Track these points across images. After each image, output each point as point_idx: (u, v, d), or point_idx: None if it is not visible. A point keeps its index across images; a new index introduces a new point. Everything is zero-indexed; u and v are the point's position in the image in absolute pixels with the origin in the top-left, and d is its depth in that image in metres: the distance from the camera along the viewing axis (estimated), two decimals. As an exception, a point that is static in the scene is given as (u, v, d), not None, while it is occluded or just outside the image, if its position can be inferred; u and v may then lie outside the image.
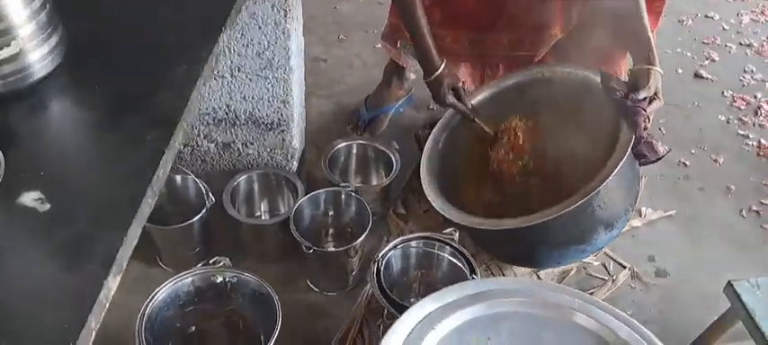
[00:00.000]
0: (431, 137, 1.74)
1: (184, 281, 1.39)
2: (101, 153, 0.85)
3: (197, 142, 1.72)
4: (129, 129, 0.87)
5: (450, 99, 1.65)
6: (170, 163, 0.85)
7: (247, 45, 1.52)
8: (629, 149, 1.43)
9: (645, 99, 1.46)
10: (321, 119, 2.11)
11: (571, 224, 1.48)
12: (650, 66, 1.48)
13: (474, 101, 1.73)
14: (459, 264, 1.46)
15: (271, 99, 1.62)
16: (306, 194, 1.67)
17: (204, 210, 1.59)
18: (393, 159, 1.80)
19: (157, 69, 0.96)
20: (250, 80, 1.59)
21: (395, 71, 2.05)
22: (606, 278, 1.71)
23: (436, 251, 1.53)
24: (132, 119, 0.88)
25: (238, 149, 1.72)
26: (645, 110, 1.45)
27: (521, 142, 1.68)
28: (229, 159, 1.75)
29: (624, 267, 1.73)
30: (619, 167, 1.41)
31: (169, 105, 0.90)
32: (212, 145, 1.73)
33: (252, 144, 1.72)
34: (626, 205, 1.54)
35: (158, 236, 1.63)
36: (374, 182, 1.87)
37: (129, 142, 0.85)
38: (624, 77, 1.66)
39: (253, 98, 1.62)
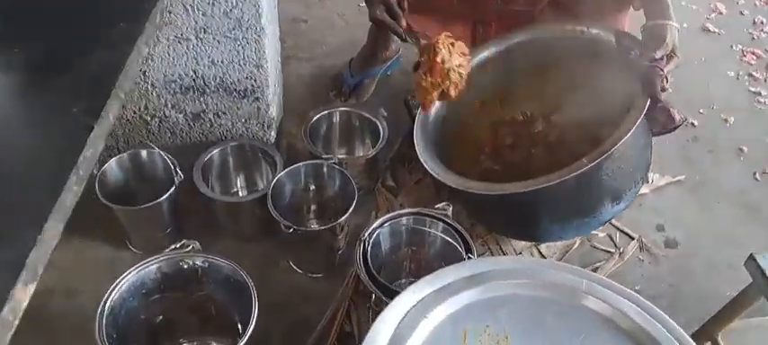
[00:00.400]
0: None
1: (149, 268, 1.26)
2: (14, 127, 0.70)
3: (164, 113, 1.57)
4: (53, 99, 0.72)
5: (379, 14, 1.42)
6: (101, 141, 0.70)
7: (213, 2, 1.36)
8: (644, 113, 1.29)
9: (662, 57, 1.32)
10: (301, 84, 1.96)
11: (575, 193, 1.35)
12: (666, 21, 1.33)
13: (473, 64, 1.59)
14: (454, 242, 1.33)
15: (242, 63, 1.46)
16: (285, 168, 1.53)
17: (173, 188, 1.45)
18: (380, 127, 1.65)
19: (90, 26, 0.80)
20: (218, 42, 1.43)
21: (380, 31, 1.89)
22: (613, 250, 1.58)
23: (428, 228, 1.39)
24: (57, 86, 0.73)
25: (210, 120, 1.57)
26: (662, 70, 1.31)
27: (441, 62, 1.35)
28: (201, 131, 1.60)
29: (632, 238, 1.60)
30: (632, 130, 1.27)
31: (102, 69, 0.75)
32: (181, 116, 1.58)
33: (224, 113, 1.57)
34: (636, 175, 1.41)
35: (124, 217, 1.49)
36: (360, 153, 1.72)
37: (51, 114, 0.71)
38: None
39: (222, 62, 1.47)
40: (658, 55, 1.33)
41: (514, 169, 1.65)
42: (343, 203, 1.51)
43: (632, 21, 1.61)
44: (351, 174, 1.53)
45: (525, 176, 1.64)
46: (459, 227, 1.35)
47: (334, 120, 1.70)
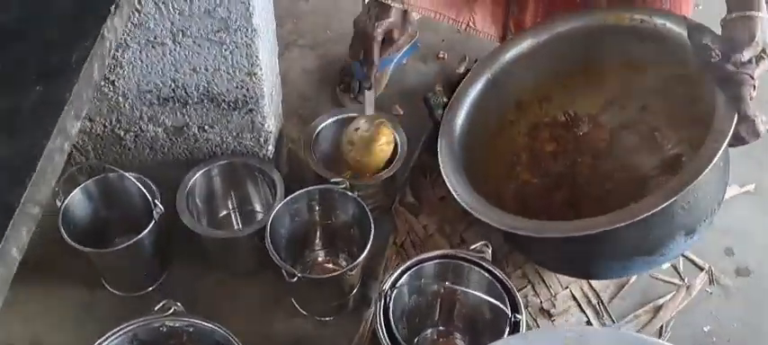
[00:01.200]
0: (452, 104, 1.33)
1: (120, 339, 1.02)
2: None
3: (140, 127, 1.31)
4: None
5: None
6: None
7: (191, 0, 1.09)
8: (731, 132, 1.03)
9: (750, 61, 1.05)
10: (304, 78, 1.69)
11: (642, 231, 1.10)
12: (755, 12, 1.06)
13: (505, 59, 1.34)
14: (495, 300, 1.08)
15: (230, 71, 1.20)
16: (285, 185, 1.28)
17: (152, 224, 1.20)
18: (396, 136, 1.39)
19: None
20: (200, 47, 1.16)
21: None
22: (678, 282, 1.33)
23: (460, 283, 1.14)
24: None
25: (194, 134, 1.32)
26: (752, 77, 1.04)
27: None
28: (185, 146, 1.34)
29: (700, 268, 1.35)
30: (718, 157, 1.02)
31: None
32: (160, 131, 1.32)
33: (212, 127, 1.31)
34: (714, 203, 1.15)
35: (96, 259, 1.25)
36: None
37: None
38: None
39: (206, 70, 1.20)
40: (746, 57, 1.07)
41: (557, 182, 1.40)
42: (357, 233, 1.27)
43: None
44: (365, 195, 1.29)
45: (570, 190, 1.40)
46: (502, 275, 1.11)
47: (342, 128, 1.44)
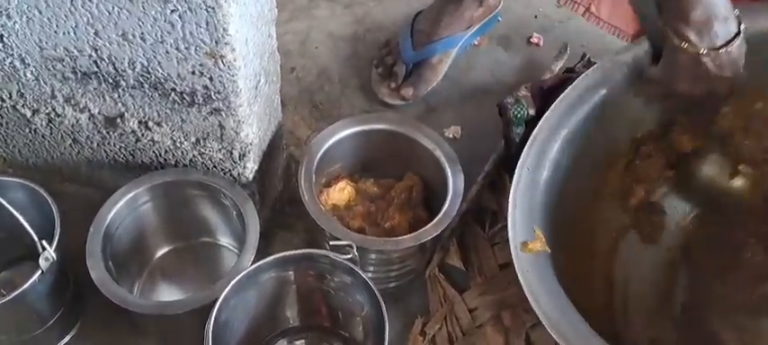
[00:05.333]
0: (543, 125, 0.83)
1: None
2: None
3: (54, 108, 0.85)
4: None
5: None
6: None
7: None
8: None
9: None
10: (329, 50, 1.18)
11: None
12: None
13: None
14: None
15: (181, 46, 0.72)
16: (269, 218, 0.83)
17: (38, 274, 0.76)
18: (446, 169, 0.89)
19: None
20: (131, 2, 0.68)
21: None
22: None
23: None
24: None
25: (134, 131, 0.85)
26: None
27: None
28: (123, 145, 0.88)
29: None
30: None
31: None
32: (84, 118, 0.85)
33: (158, 125, 0.83)
34: None
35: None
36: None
37: None
38: None
39: (142, 39, 0.72)
40: None
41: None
42: (369, 315, 0.80)
43: None
44: (389, 262, 0.81)
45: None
46: None
47: (361, 145, 0.94)
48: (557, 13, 1.20)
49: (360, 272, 0.75)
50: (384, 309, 0.74)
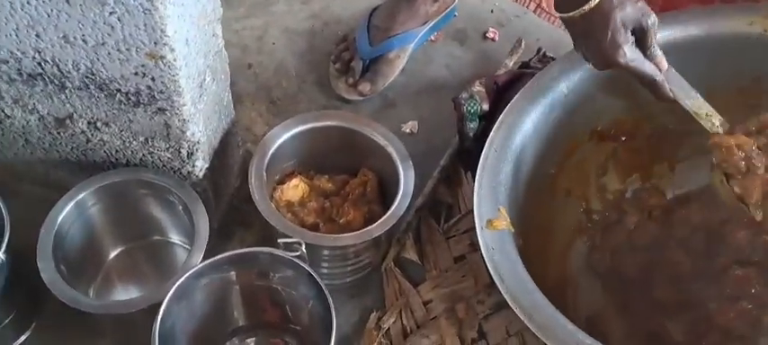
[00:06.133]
0: (504, 119, 0.84)
1: None
2: None
3: (2, 108, 0.85)
4: None
5: (629, 53, 0.76)
6: None
7: None
8: None
9: None
10: (287, 46, 1.17)
11: None
12: None
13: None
14: None
15: (121, 47, 0.72)
16: (226, 210, 0.83)
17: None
18: (397, 165, 0.90)
19: None
20: (69, 5, 0.68)
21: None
22: None
23: None
24: None
25: (83, 131, 0.85)
26: None
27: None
28: (74, 146, 0.88)
29: None
30: None
31: None
32: (34, 119, 0.85)
33: (107, 125, 0.84)
34: None
35: None
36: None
37: None
38: None
39: (83, 41, 0.72)
40: None
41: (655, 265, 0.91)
42: (316, 311, 0.81)
43: None
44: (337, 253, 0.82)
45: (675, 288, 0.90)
46: None
47: (316, 141, 0.95)
48: (512, 8, 1.21)
49: (304, 266, 0.76)
50: (329, 298, 0.75)
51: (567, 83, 0.86)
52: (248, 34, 1.16)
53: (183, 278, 0.73)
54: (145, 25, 0.69)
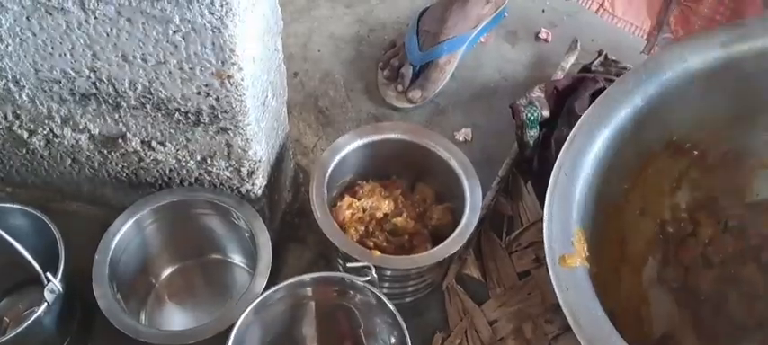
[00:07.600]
0: (578, 133, 0.80)
1: None
2: None
3: (52, 129, 0.81)
4: None
5: None
6: None
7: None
8: None
9: None
10: (332, 52, 1.14)
11: None
12: None
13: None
14: None
15: (185, 66, 0.68)
16: (281, 227, 0.81)
17: (44, 307, 0.73)
18: (462, 180, 0.86)
19: None
20: (129, 23, 0.64)
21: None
22: None
23: None
24: None
25: (136, 151, 0.81)
26: None
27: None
28: (125, 165, 0.84)
29: None
30: None
31: None
32: (83, 138, 0.82)
33: (162, 145, 0.80)
34: None
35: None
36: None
37: None
38: None
39: (143, 61, 0.68)
40: None
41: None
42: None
43: None
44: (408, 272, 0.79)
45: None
46: None
47: (369, 154, 0.91)
48: (565, 7, 1.17)
49: (376, 291, 0.72)
50: (404, 327, 0.71)
51: (643, 95, 0.82)
52: (293, 42, 1.12)
53: (256, 301, 0.70)
54: (212, 44, 0.65)
